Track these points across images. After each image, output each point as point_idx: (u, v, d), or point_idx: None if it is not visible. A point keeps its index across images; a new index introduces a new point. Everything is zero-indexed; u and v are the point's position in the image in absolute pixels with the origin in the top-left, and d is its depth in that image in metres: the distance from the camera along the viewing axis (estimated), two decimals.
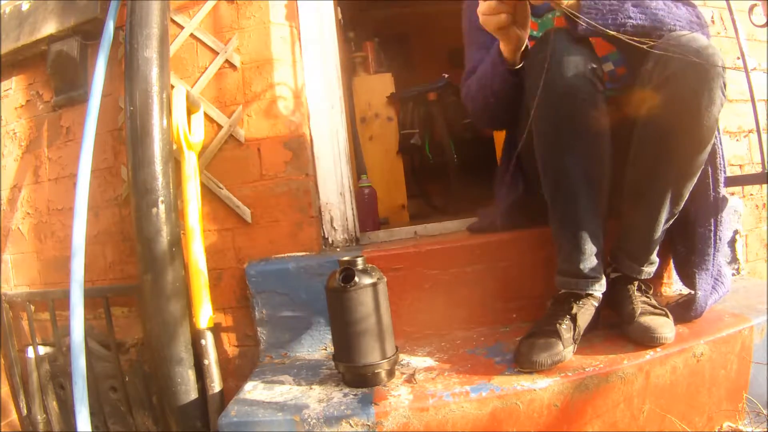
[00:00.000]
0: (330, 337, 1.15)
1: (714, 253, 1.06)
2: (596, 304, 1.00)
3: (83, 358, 1.15)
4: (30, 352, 1.48)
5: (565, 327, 0.95)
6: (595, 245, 0.98)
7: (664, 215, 0.99)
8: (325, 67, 1.44)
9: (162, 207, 1.13)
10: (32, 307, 1.51)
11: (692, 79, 0.87)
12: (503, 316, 1.19)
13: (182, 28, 1.40)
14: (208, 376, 1.12)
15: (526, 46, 1.04)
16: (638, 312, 0.98)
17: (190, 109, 1.28)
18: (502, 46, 1.04)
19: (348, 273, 0.93)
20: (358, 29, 2.83)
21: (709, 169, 1.04)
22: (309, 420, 0.86)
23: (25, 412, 1.49)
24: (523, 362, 0.92)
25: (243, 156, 1.37)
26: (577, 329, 0.96)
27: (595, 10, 0.93)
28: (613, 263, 1.08)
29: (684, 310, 1.04)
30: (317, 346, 1.21)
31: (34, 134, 1.58)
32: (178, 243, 1.15)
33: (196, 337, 1.13)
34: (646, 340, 0.93)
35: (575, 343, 0.96)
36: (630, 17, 0.94)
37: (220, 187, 1.36)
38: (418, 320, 1.19)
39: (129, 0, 1.22)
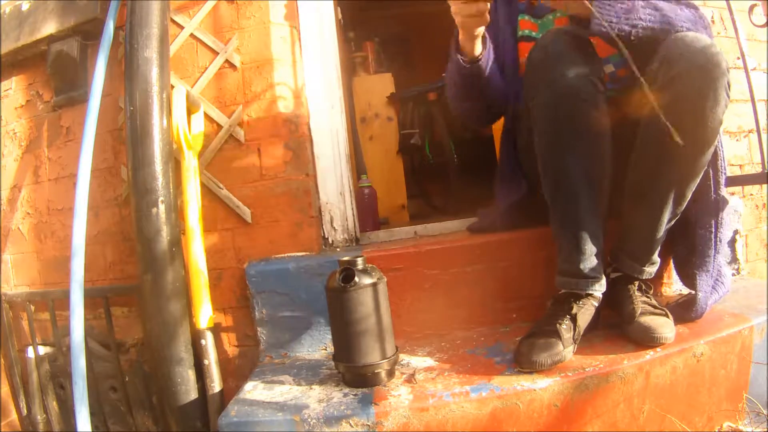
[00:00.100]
0: (330, 337, 1.15)
1: (714, 254, 1.07)
2: (596, 304, 1.01)
3: (83, 358, 1.15)
4: (30, 352, 1.48)
5: (565, 327, 0.95)
6: (596, 245, 0.98)
7: (666, 215, 0.99)
8: (325, 67, 1.44)
9: (162, 207, 1.13)
10: (32, 307, 1.51)
11: (697, 80, 0.87)
12: (503, 316, 1.19)
13: (182, 28, 1.40)
14: (208, 376, 1.12)
15: (484, 38, 1.09)
16: (638, 312, 0.98)
17: (190, 109, 1.28)
18: (462, 38, 1.08)
19: (348, 273, 0.93)
20: (358, 29, 2.83)
21: (710, 170, 1.04)
22: (309, 420, 0.86)
23: (25, 412, 1.49)
24: (523, 362, 0.92)
25: (243, 156, 1.37)
26: (577, 329, 0.96)
27: (609, 7, 0.93)
28: (614, 263, 1.08)
29: (684, 311, 1.04)
30: (317, 346, 1.21)
31: (34, 134, 1.58)
32: (178, 243, 1.15)
33: (196, 337, 1.13)
34: (646, 340, 0.93)
35: (575, 343, 0.96)
36: (641, 18, 0.94)
37: (220, 187, 1.36)
38: (418, 320, 1.19)
39: (129, 0, 1.22)
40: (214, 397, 1.12)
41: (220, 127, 1.38)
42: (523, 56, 1.24)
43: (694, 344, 0.94)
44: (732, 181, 1.15)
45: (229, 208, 1.36)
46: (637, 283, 1.05)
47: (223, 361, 1.26)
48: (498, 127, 1.47)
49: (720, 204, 1.06)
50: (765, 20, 1.14)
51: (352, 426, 0.84)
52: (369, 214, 1.89)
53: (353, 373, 0.95)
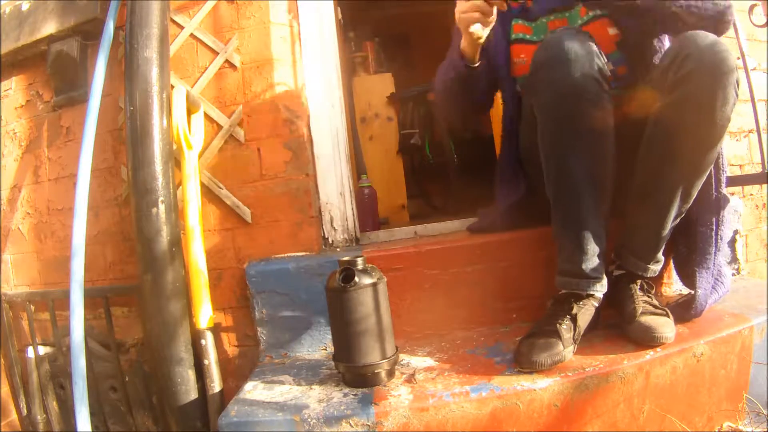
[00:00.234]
0: (330, 337, 1.15)
1: (715, 252, 1.07)
2: (597, 305, 1.00)
3: (83, 358, 1.15)
4: (30, 352, 1.48)
5: (565, 327, 0.95)
6: (598, 245, 0.98)
7: (673, 213, 0.99)
8: (325, 67, 1.44)
9: (162, 207, 1.13)
10: (32, 307, 1.51)
11: (708, 79, 0.88)
12: (503, 316, 1.19)
13: (182, 28, 1.40)
14: (208, 376, 1.12)
15: (483, 43, 1.15)
16: (639, 311, 0.98)
17: (190, 109, 1.28)
18: (464, 44, 1.15)
19: (348, 273, 0.93)
20: (358, 29, 2.83)
21: (712, 168, 1.04)
22: (309, 420, 0.86)
23: (25, 412, 1.49)
24: (523, 362, 0.92)
25: (243, 156, 1.37)
26: (577, 329, 0.96)
27: None
28: (618, 260, 1.08)
29: (684, 310, 1.04)
30: (317, 346, 1.21)
31: (34, 134, 1.58)
32: (178, 243, 1.15)
33: (196, 337, 1.13)
34: (646, 339, 0.93)
35: (575, 343, 0.96)
36: None
37: (220, 187, 1.36)
38: (418, 320, 1.19)
39: (129, 0, 1.22)
40: (214, 397, 1.12)
41: (220, 127, 1.38)
42: (517, 57, 1.25)
43: (694, 344, 0.94)
44: (732, 181, 1.15)
45: (229, 208, 1.36)
46: (639, 282, 1.05)
47: (223, 361, 1.26)
48: (498, 127, 1.48)
49: (721, 202, 1.07)
50: (765, 20, 1.14)
51: (352, 426, 0.84)
52: (369, 214, 1.89)
53: (353, 373, 0.95)
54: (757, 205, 1.52)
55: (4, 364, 1.54)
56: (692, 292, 1.07)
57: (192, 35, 1.40)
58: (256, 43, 1.38)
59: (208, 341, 1.13)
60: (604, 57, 0.97)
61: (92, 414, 1.15)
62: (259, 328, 1.23)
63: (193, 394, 1.11)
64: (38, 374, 1.48)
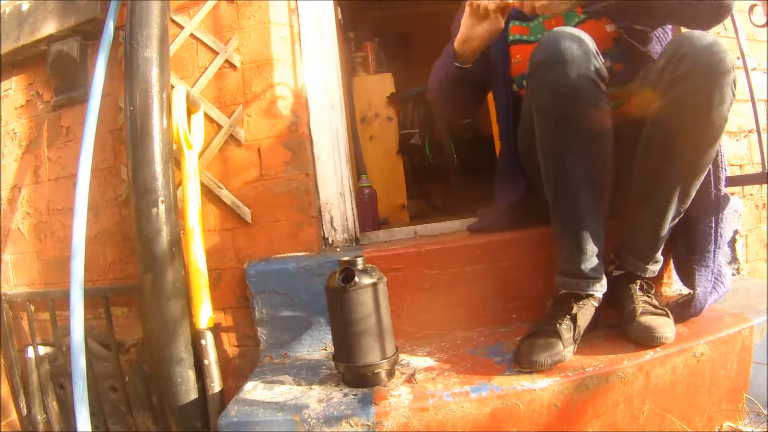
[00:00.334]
0: (330, 337, 1.15)
1: (714, 250, 1.07)
2: (596, 305, 1.00)
3: (83, 358, 1.15)
4: (30, 352, 1.48)
5: (565, 327, 0.95)
6: (597, 245, 0.98)
7: (671, 213, 0.99)
8: (325, 67, 1.44)
9: (162, 207, 1.13)
10: (32, 307, 1.51)
11: (704, 78, 0.88)
12: (503, 316, 1.19)
13: (182, 28, 1.40)
14: (208, 376, 1.12)
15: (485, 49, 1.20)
16: (639, 311, 0.98)
17: (190, 109, 1.28)
18: (461, 38, 1.16)
19: (348, 273, 0.93)
20: (358, 29, 2.83)
21: (711, 167, 1.04)
22: (309, 420, 0.86)
23: (25, 412, 1.49)
24: (523, 362, 0.92)
25: (243, 156, 1.37)
26: (577, 329, 0.96)
27: None
28: (617, 260, 1.08)
29: (684, 309, 1.05)
30: (317, 346, 1.21)
31: (34, 134, 1.58)
32: (178, 243, 1.15)
33: (196, 337, 1.13)
34: (646, 339, 0.93)
35: (575, 343, 0.96)
36: None
37: (220, 187, 1.36)
38: (418, 320, 1.19)
39: (129, 0, 1.22)
40: (214, 397, 1.12)
41: (220, 127, 1.38)
42: (514, 57, 1.26)
43: (694, 344, 0.94)
44: (732, 181, 1.15)
45: (229, 208, 1.36)
46: (639, 282, 1.05)
47: (223, 361, 1.26)
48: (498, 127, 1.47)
49: (721, 202, 1.07)
50: (765, 20, 1.14)
51: (352, 426, 0.84)
52: (369, 214, 1.89)
53: (353, 373, 0.95)
54: (757, 205, 1.52)
55: (4, 364, 1.54)
56: (692, 291, 1.07)
57: (192, 35, 1.40)
58: (256, 43, 1.38)
59: (208, 341, 1.13)
60: (601, 57, 0.97)
61: (92, 414, 1.15)
62: (259, 328, 1.23)
63: (193, 394, 1.11)
64: (38, 374, 1.48)
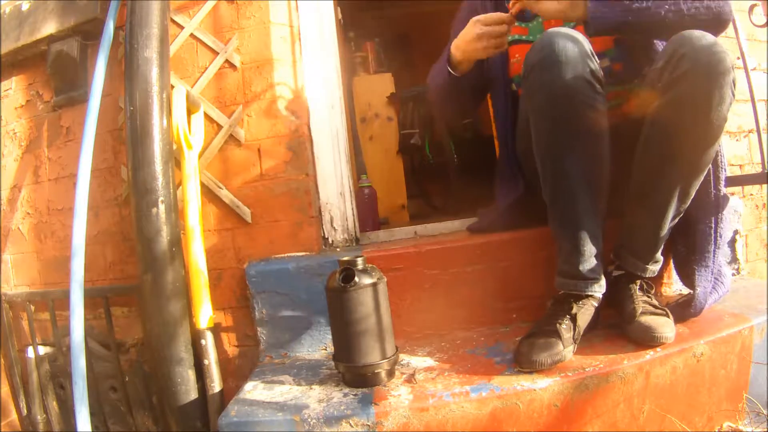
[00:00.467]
0: (330, 337, 1.15)
1: (714, 250, 1.07)
2: (596, 305, 1.00)
3: (83, 358, 1.15)
4: (30, 352, 1.48)
5: (565, 327, 0.95)
6: (595, 246, 0.98)
7: (671, 213, 0.99)
8: (325, 67, 1.44)
9: (162, 207, 1.13)
10: (32, 307, 1.51)
11: (704, 78, 0.88)
12: (503, 316, 1.19)
13: (182, 28, 1.40)
14: (208, 376, 1.12)
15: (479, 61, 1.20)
16: (639, 311, 0.98)
17: (190, 109, 1.28)
18: (459, 53, 1.17)
19: (348, 273, 0.93)
20: (358, 29, 2.83)
21: (711, 167, 1.04)
22: (309, 420, 0.86)
23: (25, 412, 1.49)
24: (523, 362, 0.92)
25: (243, 156, 1.37)
26: (577, 329, 0.96)
27: None
28: (617, 261, 1.08)
29: (684, 309, 1.05)
30: (317, 346, 1.21)
31: (34, 134, 1.58)
32: (178, 243, 1.15)
33: (196, 337, 1.13)
34: (646, 339, 0.93)
35: (575, 343, 0.96)
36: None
37: (220, 187, 1.36)
38: (418, 320, 1.19)
39: (129, 0, 1.22)
40: (214, 397, 1.12)
41: (220, 127, 1.38)
42: (513, 57, 1.26)
43: (694, 344, 0.94)
44: (732, 181, 1.15)
45: (229, 208, 1.36)
46: (639, 282, 1.05)
47: (223, 361, 1.26)
48: None
49: (721, 200, 1.07)
50: (765, 20, 1.14)
51: (352, 426, 0.84)
52: (369, 214, 1.89)
53: (353, 373, 0.95)
54: (757, 205, 1.52)
55: (4, 364, 1.54)
56: (692, 291, 1.07)
57: (192, 35, 1.40)
58: (256, 43, 1.38)
59: (208, 341, 1.13)
60: (597, 58, 0.96)
61: (92, 414, 1.15)
62: (259, 328, 1.23)
63: (193, 394, 1.11)
64: (38, 374, 1.48)
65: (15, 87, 1.61)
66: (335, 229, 1.40)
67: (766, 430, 0.94)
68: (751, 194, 1.52)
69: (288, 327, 1.22)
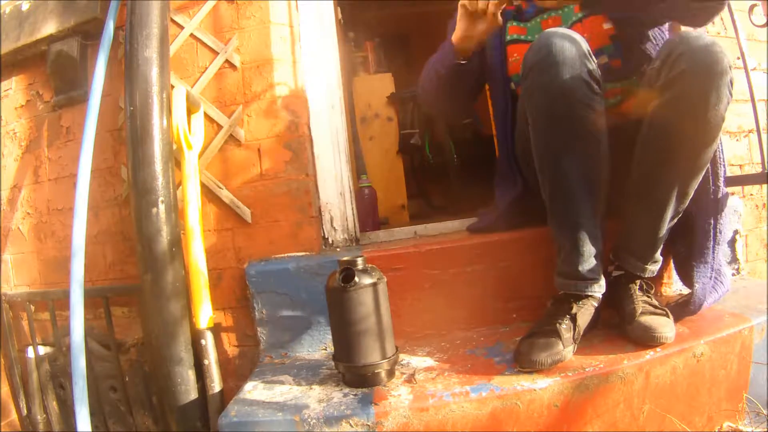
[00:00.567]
0: (330, 337, 1.15)
1: (713, 246, 1.06)
2: (596, 304, 1.01)
3: (83, 358, 1.15)
4: (30, 352, 1.48)
5: (564, 327, 0.95)
6: (594, 246, 0.98)
7: (669, 213, 0.99)
8: (325, 67, 1.44)
9: (162, 207, 1.13)
10: (32, 307, 1.51)
11: (700, 78, 0.88)
12: (503, 316, 1.19)
13: (182, 28, 1.40)
14: (208, 376, 1.12)
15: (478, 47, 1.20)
16: (639, 311, 0.98)
17: (190, 109, 1.28)
18: (459, 36, 1.18)
19: (348, 273, 0.93)
20: (358, 29, 2.83)
21: (710, 166, 1.04)
22: (309, 420, 0.86)
23: (25, 412, 1.49)
24: (523, 362, 0.92)
25: (243, 156, 1.37)
26: (576, 329, 0.96)
27: None
28: (616, 261, 1.08)
29: (683, 308, 1.05)
30: (317, 346, 1.21)
31: (34, 134, 1.58)
32: (178, 243, 1.15)
33: (196, 337, 1.13)
34: (646, 339, 0.93)
35: (575, 343, 0.96)
36: None
37: (220, 187, 1.36)
38: (418, 320, 1.19)
39: (129, 0, 1.22)
40: (214, 397, 1.12)
41: (220, 127, 1.38)
42: (511, 57, 1.26)
43: (694, 344, 0.94)
44: (732, 181, 1.15)
45: (229, 208, 1.36)
46: (638, 282, 1.05)
47: (223, 361, 1.27)
48: None
49: (720, 201, 1.07)
50: (765, 20, 1.14)
51: (352, 426, 0.84)
52: (369, 214, 1.89)
53: (353, 373, 0.95)
54: (757, 205, 1.52)
55: (4, 364, 1.54)
56: (691, 290, 1.07)
57: (192, 35, 1.40)
58: (256, 43, 1.38)
59: (208, 341, 1.13)
60: (594, 58, 0.96)
61: (92, 414, 1.15)
62: (259, 328, 1.23)
63: (193, 394, 1.11)
64: (38, 374, 1.48)
65: (15, 87, 1.61)
66: (335, 229, 1.40)
67: (766, 430, 0.94)
68: (751, 194, 1.52)
69: (288, 327, 1.22)
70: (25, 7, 1.54)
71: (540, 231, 1.15)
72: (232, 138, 1.37)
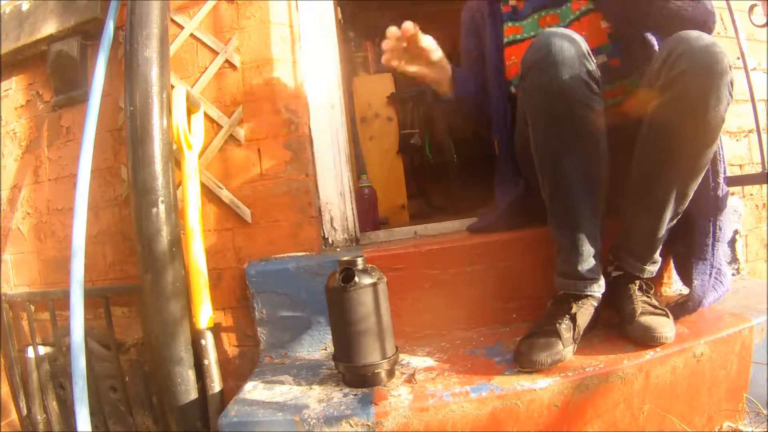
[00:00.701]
0: (330, 337, 1.15)
1: (713, 243, 1.06)
2: (596, 304, 1.01)
3: (83, 358, 1.15)
4: (30, 352, 1.48)
5: (564, 327, 0.95)
6: (594, 246, 0.98)
7: (668, 214, 0.99)
8: (325, 67, 1.44)
9: (162, 207, 1.13)
10: (32, 307, 1.51)
11: (700, 78, 0.87)
12: (503, 316, 1.19)
13: (182, 28, 1.40)
14: (208, 376, 1.12)
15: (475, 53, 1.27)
16: (639, 311, 0.98)
17: (190, 109, 1.28)
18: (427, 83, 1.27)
19: (348, 273, 0.93)
20: (358, 29, 2.83)
21: (710, 166, 1.04)
22: (309, 420, 0.86)
23: (25, 412, 1.49)
24: (523, 362, 0.92)
25: (243, 156, 1.37)
26: (576, 329, 0.96)
27: None
28: (616, 261, 1.08)
29: (683, 306, 1.05)
30: (317, 346, 1.21)
31: (34, 134, 1.58)
32: (178, 243, 1.15)
33: (196, 337, 1.13)
34: (646, 339, 0.93)
35: (575, 343, 0.96)
36: None
37: (220, 187, 1.36)
38: (418, 320, 1.19)
39: (129, 0, 1.22)
40: (214, 397, 1.12)
41: (220, 127, 1.38)
42: (509, 59, 1.26)
43: (694, 344, 0.94)
44: (732, 181, 1.15)
45: (229, 208, 1.36)
46: (638, 282, 1.05)
47: (223, 361, 1.27)
48: None
49: (721, 199, 1.06)
50: (765, 20, 1.14)
51: (352, 426, 0.84)
52: (369, 214, 1.89)
53: (353, 373, 0.95)
54: (757, 205, 1.52)
55: (4, 364, 1.54)
56: (690, 288, 1.07)
57: (192, 35, 1.40)
58: (256, 43, 1.38)
59: (208, 341, 1.13)
60: (593, 57, 0.96)
61: (92, 414, 1.15)
62: (259, 328, 1.23)
63: (193, 394, 1.11)
64: (38, 374, 1.48)
65: (15, 87, 1.61)
66: (335, 229, 1.40)
67: (766, 430, 0.94)
68: (751, 194, 1.52)
69: (288, 327, 1.22)
70: (25, 7, 1.54)
71: (540, 231, 1.15)
72: (232, 138, 1.37)
